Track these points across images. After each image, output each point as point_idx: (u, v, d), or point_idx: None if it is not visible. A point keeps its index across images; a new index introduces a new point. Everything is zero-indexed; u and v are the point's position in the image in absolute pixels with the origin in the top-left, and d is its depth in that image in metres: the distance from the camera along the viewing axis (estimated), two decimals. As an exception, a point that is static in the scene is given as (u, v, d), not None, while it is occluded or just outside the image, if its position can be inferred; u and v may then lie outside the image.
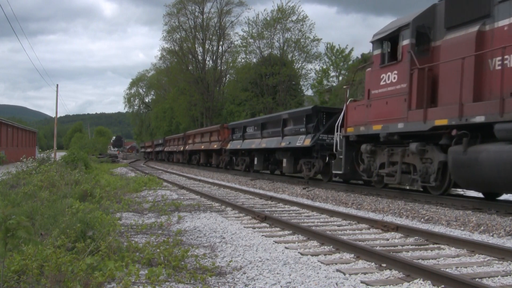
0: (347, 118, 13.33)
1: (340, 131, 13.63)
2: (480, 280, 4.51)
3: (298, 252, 5.74)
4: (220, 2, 47.57)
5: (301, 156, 17.05)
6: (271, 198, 11.95)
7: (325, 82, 37.12)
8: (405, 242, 6.47)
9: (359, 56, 54.77)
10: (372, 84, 12.05)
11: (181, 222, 8.23)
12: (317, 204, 11.04)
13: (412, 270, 4.63)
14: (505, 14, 8.83)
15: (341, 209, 10.16)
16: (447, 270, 4.78)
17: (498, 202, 9.70)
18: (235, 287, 4.30)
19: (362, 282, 4.45)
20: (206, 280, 4.45)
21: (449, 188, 10.52)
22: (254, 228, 7.64)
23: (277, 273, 4.71)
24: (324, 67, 37.84)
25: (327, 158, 15.13)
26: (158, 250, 5.30)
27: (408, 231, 6.98)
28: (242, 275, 4.66)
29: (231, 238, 6.68)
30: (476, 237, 6.99)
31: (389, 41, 11.53)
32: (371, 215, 9.30)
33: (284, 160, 18.08)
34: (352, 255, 5.54)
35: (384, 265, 5.00)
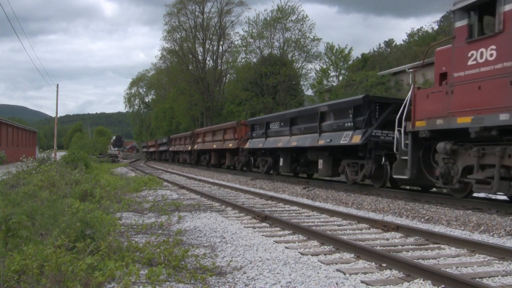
0: (416, 109, 10.63)
1: (403, 126, 10.97)
2: (480, 280, 4.51)
3: (298, 252, 5.74)
4: (221, 2, 47.60)
5: (343, 156, 14.38)
6: (271, 198, 11.95)
7: (325, 82, 37.11)
8: (405, 242, 6.46)
9: (359, 56, 54.89)
10: (455, 64, 9.48)
11: (181, 222, 8.23)
12: (317, 204, 11.03)
13: (412, 270, 4.63)
14: None
15: (341, 209, 10.16)
16: (447, 270, 4.78)
17: (498, 202, 9.70)
18: (235, 287, 4.30)
19: (362, 282, 4.44)
20: (206, 280, 4.45)
21: None
22: (254, 228, 7.64)
23: (277, 273, 4.71)
24: (324, 67, 37.84)
25: (383, 159, 12.47)
26: (158, 250, 5.30)
27: (408, 231, 6.97)
28: (242, 275, 4.66)
29: (231, 238, 6.68)
30: (476, 237, 6.99)
31: (481, 8, 9.13)
32: (371, 215, 9.30)
33: (320, 161, 15.32)
34: (352, 255, 5.54)
35: (384, 265, 5.00)
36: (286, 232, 7.22)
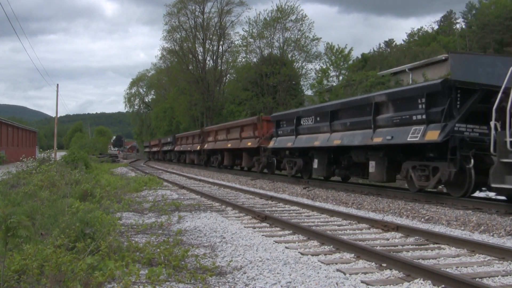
0: None
1: (501, 120, 8.68)
2: (480, 280, 4.51)
3: (299, 252, 5.74)
4: (221, 2, 47.53)
5: (406, 157, 11.60)
6: (272, 198, 11.95)
7: (325, 82, 37.08)
8: (406, 242, 6.46)
9: (360, 56, 54.89)
10: None
11: (181, 222, 8.23)
12: (317, 204, 11.03)
13: (413, 270, 4.63)
14: None
15: (341, 209, 10.16)
16: (447, 270, 4.78)
17: (498, 202, 9.69)
18: (236, 287, 4.30)
19: (362, 282, 4.45)
20: (207, 280, 4.45)
21: None
22: (254, 228, 7.64)
23: (278, 273, 4.71)
24: (324, 67, 37.83)
25: (471, 161, 9.80)
26: (158, 250, 5.30)
27: (408, 231, 6.97)
28: (242, 274, 4.66)
29: (231, 238, 6.68)
30: (477, 237, 6.99)
31: None
32: (371, 215, 9.30)
33: (372, 164, 12.30)
34: (353, 255, 5.54)
35: (384, 265, 5.00)
36: (286, 232, 7.22)
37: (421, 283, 4.37)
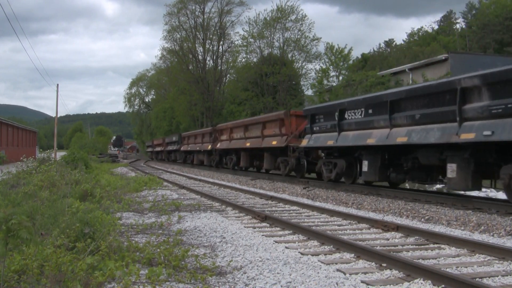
0: None
1: None
2: (480, 279, 4.51)
3: (299, 252, 5.74)
4: (221, 2, 47.56)
5: (499, 159, 9.30)
6: (272, 198, 11.95)
7: (325, 82, 37.10)
8: (406, 242, 6.47)
9: (360, 56, 54.92)
10: None
11: (181, 222, 8.23)
12: (317, 204, 11.03)
13: (413, 269, 4.63)
14: None
15: (341, 208, 10.16)
16: (447, 270, 4.78)
17: (498, 202, 9.70)
18: (236, 286, 4.30)
19: (362, 281, 4.45)
20: (207, 279, 4.45)
21: None
22: (254, 228, 7.64)
23: (278, 273, 4.71)
24: (324, 67, 37.85)
25: None
26: (158, 249, 5.30)
27: (408, 231, 6.97)
28: (242, 274, 4.66)
29: (232, 237, 6.68)
30: (477, 237, 6.99)
31: None
32: (371, 214, 9.30)
33: (452, 167, 9.72)
34: (353, 255, 5.54)
35: (384, 264, 5.00)
36: (286, 232, 7.22)
37: (421, 283, 4.37)
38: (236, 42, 46.98)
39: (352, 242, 5.95)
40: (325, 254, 5.66)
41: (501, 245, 5.82)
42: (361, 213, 9.51)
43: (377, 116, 12.01)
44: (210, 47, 49.09)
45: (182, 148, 37.31)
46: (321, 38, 44.56)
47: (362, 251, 5.48)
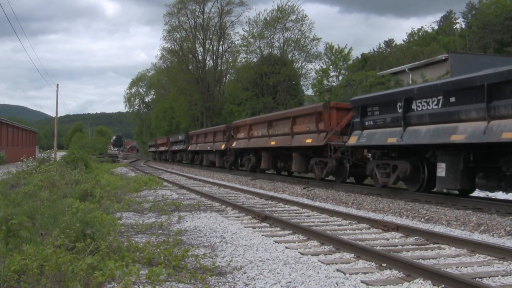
0: None
1: None
2: (480, 279, 4.51)
3: (299, 252, 5.74)
4: (221, 2, 47.61)
5: None
6: (271, 198, 11.95)
7: (325, 82, 37.10)
8: (405, 242, 6.47)
9: (359, 56, 54.90)
10: None
11: (181, 221, 8.23)
12: (317, 204, 11.03)
13: (413, 270, 4.64)
14: None
15: (341, 208, 10.16)
16: (447, 270, 4.78)
17: (498, 202, 9.69)
18: (236, 286, 4.30)
19: (362, 281, 4.45)
20: (206, 279, 4.45)
21: None
22: (254, 228, 7.64)
23: (278, 273, 4.71)
24: (324, 66, 37.87)
25: None
26: (158, 249, 5.30)
27: (408, 231, 6.98)
28: (242, 274, 4.66)
29: (231, 237, 6.68)
30: (476, 237, 6.99)
31: None
32: (371, 214, 9.30)
33: None
34: (353, 255, 5.54)
35: (384, 264, 5.00)
36: (286, 232, 7.22)
37: (421, 283, 4.37)
38: (236, 42, 47.03)
39: (352, 242, 5.95)
40: (325, 254, 5.67)
41: (501, 245, 5.82)
42: (361, 213, 9.51)
43: (465, 106, 9.38)
44: (210, 47, 49.15)
45: (189, 148, 34.67)
46: (321, 38, 44.58)
47: (362, 251, 5.48)
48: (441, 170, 10.03)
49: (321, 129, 15.06)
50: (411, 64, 31.75)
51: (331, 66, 37.27)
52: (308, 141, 15.58)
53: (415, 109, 10.84)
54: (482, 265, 5.19)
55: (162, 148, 48.22)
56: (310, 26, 39.68)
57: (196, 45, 49.26)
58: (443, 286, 4.21)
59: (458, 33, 57.15)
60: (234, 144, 23.70)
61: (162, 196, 12.24)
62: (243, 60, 45.16)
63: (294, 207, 10.36)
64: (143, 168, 32.80)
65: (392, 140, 11.24)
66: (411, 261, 4.87)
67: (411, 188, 11.53)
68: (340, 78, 36.93)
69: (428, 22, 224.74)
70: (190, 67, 49.85)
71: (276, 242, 6.39)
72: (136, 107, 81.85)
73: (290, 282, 4.38)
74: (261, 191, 14.05)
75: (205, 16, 48.34)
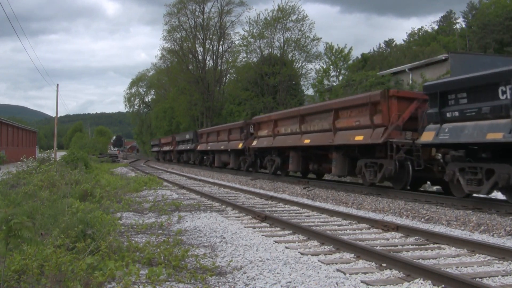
0: None
1: None
2: (480, 279, 4.52)
3: (299, 252, 5.74)
4: (221, 2, 47.59)
5: None
6: (272, 198, 11.95)
7: (325, 82, 37.10)
8: (406, 242, 6.47)
9: (359, 56, 54.91)
10: None
11: (181, 222, 8.23)
12: (317, 204, 11.03)
13: (413, 269, 4.64)
14: None
15: (341, 208, 10.16)
16: (447, 270, 4.78)
17: (498, 202, 9.69)
18: (236, 286, 4.30)
19: (362, 281, 4.45)
20: (207, 279, 4.45)
21: None
22: (254, 228, 7.64)
23: (278, 273, 4.71)
24: (324, 66, 37.86)
25: None
26: (158, 249, 5.30)
27: (408, 231, 6.98)
28: (242, 274, 4.66)
29: (232, 238, 6.68)
30: (477, 237, 6.99)
31: None
32: (371, 215, 9.30)
33: None
34: (353, 255, 5.54)
35: (384, 264, 5.00)
36: (286, 232, 7.22)
37: (421, 283, 4.37)
38: (236, 42, 47.02)
39: (352, 242, 5.95)
40: (325, 254, 5.66)
41: (501, 245, 5.82)
42: (361, 213, 9.51)
43: None
44: (210, 47, 49.12)
45: (198, 148, 31.37)
46: (321, 38, 44.56)
47: (362, 251, 5.48)
48: None
49: (378, 124, 12.01)
50: (411, 64, 31.74)
51: (331, 66, 37.26)
52: (359, 138, 12.62)
53: None
54: (482, 265, 5.19)
55: (166, 148, 44.84)
56: (310, 26, 39.70)
57: (196, 45, 49.25)
58: (443, 286, 4.21)
59: (458, 33, 57.16)
60: (254, 143, 20.64)
61: (162, 196, 12.24)
62: (243, 60, 45.18)
63: (294, 207, 10.36)
64: (143, 168, 32.79)
65: (495, 136, 8.48)
66: (411, 261, 4.87)
67: None
68: (340, 78, 36.93)
69: (428, 22, 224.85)
70: (190, 67, 49.84)
71: (276, 242, 6.39)
72: (136, 107, 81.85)
73: (290, 282, 4.38)
74: (261, 191, 14.05)
75: (205, 16, 48.34)
